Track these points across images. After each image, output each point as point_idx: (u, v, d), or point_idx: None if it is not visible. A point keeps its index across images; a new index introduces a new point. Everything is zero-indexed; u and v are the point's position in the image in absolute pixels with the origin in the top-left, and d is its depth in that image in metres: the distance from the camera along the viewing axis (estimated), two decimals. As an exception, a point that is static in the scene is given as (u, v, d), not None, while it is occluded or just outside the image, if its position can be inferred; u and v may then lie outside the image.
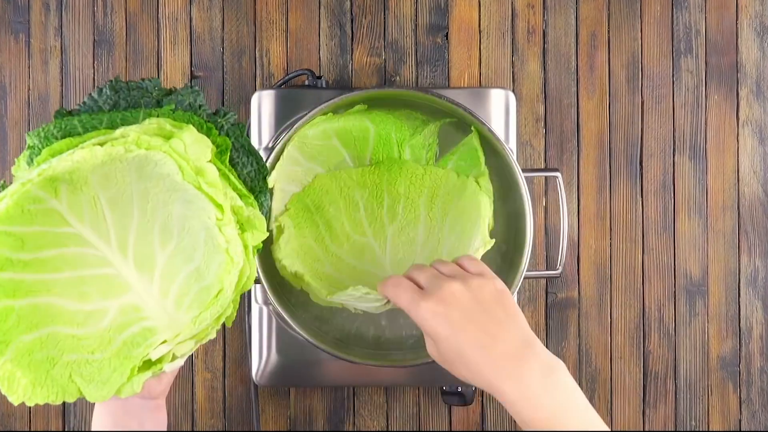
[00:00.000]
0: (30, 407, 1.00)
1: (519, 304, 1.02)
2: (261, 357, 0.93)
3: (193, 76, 1.02)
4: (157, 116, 0.65)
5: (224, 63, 1.02)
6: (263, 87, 1.02)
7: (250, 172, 0.70)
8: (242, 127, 0.70)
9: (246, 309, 0.96)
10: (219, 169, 0.65)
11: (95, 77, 1.02)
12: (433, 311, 0.64)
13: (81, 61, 1.02)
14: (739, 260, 1.03)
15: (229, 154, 0.68)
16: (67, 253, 0.66)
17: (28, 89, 1.02)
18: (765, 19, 1.04)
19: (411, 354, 0.85)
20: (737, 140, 1.04)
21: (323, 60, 1.03)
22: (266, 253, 0.81)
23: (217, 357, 1.01)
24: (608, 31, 1.04)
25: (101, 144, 0.63)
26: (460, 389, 0.94)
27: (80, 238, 0.66)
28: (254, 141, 0.93)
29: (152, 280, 0.65)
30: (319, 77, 0.99)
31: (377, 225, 0.81)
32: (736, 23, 1.04)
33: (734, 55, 1.04)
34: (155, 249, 0.66)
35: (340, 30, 1.03)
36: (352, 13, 1.03)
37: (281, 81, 1.00)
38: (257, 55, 1.03)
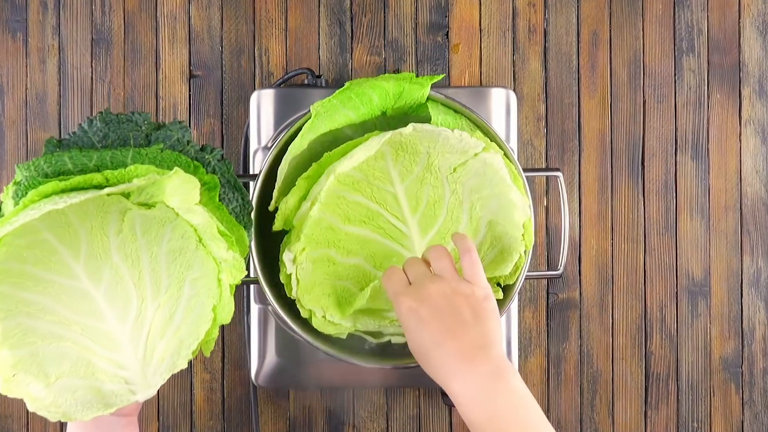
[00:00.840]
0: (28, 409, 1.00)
1: (520, 305, 1.01)
2: (260, 358, 0.93)
3: (191, 76, 1.02)
4: (143, 161, 0.67)
5: (223, 62, 1.02)
6: (262, 86, 1.02)
7: (236, 208, 0.73)
8: (228, 164, 0.73)
9: (245, 310, 0.96)
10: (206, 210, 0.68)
11: (93, 76, 1.02)
12: (408, 306, 0.68)
13: (79, 60, 1.02)
14: (741, 261, 1.02)
15: (218, 191, 0.70)
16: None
17: (26, 88, 1.02)
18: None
19: (412, 356, 0.84)
20: (740, 140, 1.03)
21: (323, 59, 1.02)
22: (265, 253, 0.80)
23: (216, 358, 1.00)
24: (610, 30, 1.03)
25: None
26: (460, 390, 0.94)
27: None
28: (253, 140, 0.93)
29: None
30: (319, 76, 0.98)
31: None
32: (739, 22, 1.03)
33: (737, 54, 1.03)
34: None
35: (339, 29, 1.02)
36: (351, 12, 1.02)
37: (280, 80, 0.99)
38: (256, 54, 1.02)
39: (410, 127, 0.73)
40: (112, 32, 1.02)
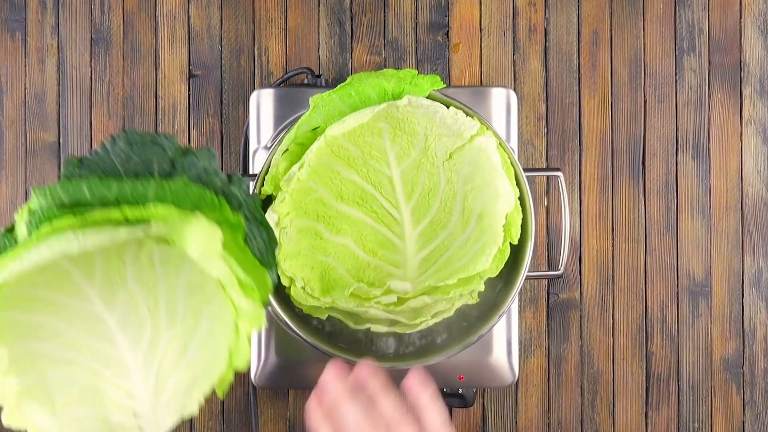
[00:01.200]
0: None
1: (520, 306, 1.01)
2: (260, 358, 0.92)
3: (191, 75, 1.02)
4: (166, 197, 0.64)
5: (223, 61, 1.02)
6: (262, 86, 1.01)
7: (259, 245, 0.68)
8: (257, 200, 0.68)
9: (245, 310, 0.96)
10: (226, 259, 0.63)
11: (92, 76, 1.01)
12: None
13: (78, 59, 1.01)
14: (742, 261, 1.02)
15: (243, 232, 0.66)
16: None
17: (25, 88, 1.01)
18: (769, 17, 1.03)
19: (411, 357, 0.84)
20: (741, 139, 1.03)
21: (323, 58, 1.02)
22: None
23: (216, 358, 1.00)
24: (610, 29, 1.03)
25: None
26: (460, 391, 0.94)
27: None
28: (253, 140, 0.93)
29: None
30: (319, 76, 0.98)
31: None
32: (740, 21, 1.03)
33: (738, 54, 1.03)
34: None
35: (339, 28, 1.02)
36: (351, 11, 1.02)
37: (280, 80, 0.99)
38: (256, 54, 1.02)
39: (405, 99, 0.75)
40: (111, 32, 1.02)
